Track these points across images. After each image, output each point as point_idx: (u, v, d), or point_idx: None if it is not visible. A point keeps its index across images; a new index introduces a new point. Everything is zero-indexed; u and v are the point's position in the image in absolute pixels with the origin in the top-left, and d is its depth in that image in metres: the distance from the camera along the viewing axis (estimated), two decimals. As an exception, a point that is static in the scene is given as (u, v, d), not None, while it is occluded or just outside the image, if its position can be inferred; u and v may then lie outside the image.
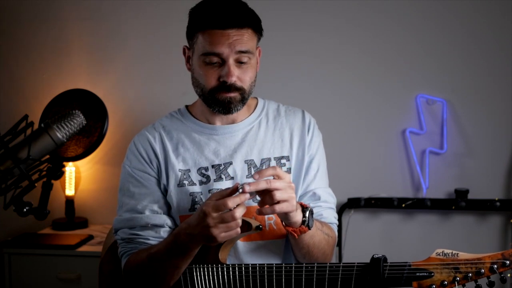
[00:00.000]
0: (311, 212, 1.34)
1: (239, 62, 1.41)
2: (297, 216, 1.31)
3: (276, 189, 1.24)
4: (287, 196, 1.26)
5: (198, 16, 1.43)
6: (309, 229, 1.33)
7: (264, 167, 1.48)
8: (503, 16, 2.34)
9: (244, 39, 1.40)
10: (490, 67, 2.37)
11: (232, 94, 1.42)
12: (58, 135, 0.96)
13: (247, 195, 1.24)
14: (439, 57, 2.39)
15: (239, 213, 1.23)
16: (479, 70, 2.38)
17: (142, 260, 1.40)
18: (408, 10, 2.40)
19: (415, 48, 2.40)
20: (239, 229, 1.25)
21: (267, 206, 1.26)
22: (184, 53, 1.51)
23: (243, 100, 1.45)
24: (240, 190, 1.24)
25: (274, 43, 2.46)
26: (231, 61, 1.39)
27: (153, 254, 1.38)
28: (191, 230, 1.28)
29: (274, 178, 1.26)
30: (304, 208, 1.33)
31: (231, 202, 1.22)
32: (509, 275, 1.21)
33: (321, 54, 2.46)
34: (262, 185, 1.23)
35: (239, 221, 1.24)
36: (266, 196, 1.26)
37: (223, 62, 1.40)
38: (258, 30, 1.46)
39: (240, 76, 1.41)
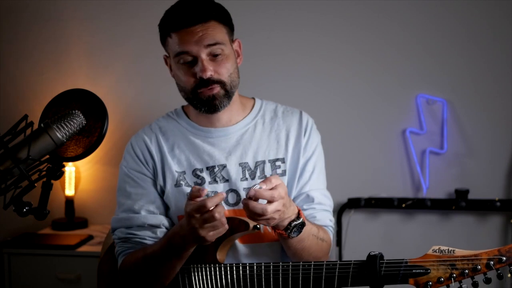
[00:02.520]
0: (301, 226, 1.32)
1: (213, 56, 1.41)
2: (282, 222, 1.30)
3: (260, 214, 1.22)
4: (268, 218, 1.24)
5: (163, 23, 1.46)
6: (289, 237, 1.33)
7: (258, 170, 1.48)
8: (503, 16, 2.33)
9: (210, 32, 1.40)
10: (490, 67, 2.37)
11: (215, 91, 1.42)
12: (58, 135, 0.96)
13: (224, 195, 1.26)
14: (439, 57, 2.39)
15: (218, 213, 1.22)
16: (479, 70, 2.38)
17: (137, 260, 1.40)
18: (408, 10, 2.40)
19: (415, 48, 2.40)
20: (226, 225, 1.25)
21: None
22: (166, 62, 1.53)
23: (228, 94, 1.44)
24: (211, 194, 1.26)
25: (273, 43, 2.46)
26: (203, 57, 1.40)
27: (148, 255, 1.38)
28: (184, 232, 1.28)
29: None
30: (296, 217, 1.31)
31: (210, 202, 1.22)
32: (509, 275, 1.20)
33: (321, 54, 2.46)
34: (267, 195, 1.23)
35: (223, 220, 1.23)
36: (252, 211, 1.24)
37: (196, 59, 1.40)
38: (224, 21, 1.45)
39: (216, 69, 1.41)
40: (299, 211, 1.33)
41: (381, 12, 2.41)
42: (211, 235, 1.24)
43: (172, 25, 1.42)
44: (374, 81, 2.44)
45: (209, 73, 1.39)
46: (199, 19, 1.39)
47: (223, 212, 1.24)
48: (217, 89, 1.42)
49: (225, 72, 1.42)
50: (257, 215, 1.23)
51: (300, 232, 1.33)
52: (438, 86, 2.39)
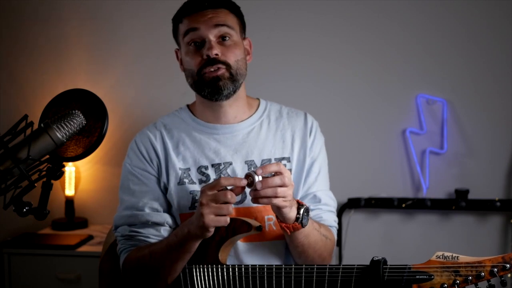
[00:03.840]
0: (307, 210, 1.34)
1: (221, 39, 1.44)
2: (291, 213, 1.31)
3: (281, 186, 1.25)
4: (285, 193, 1.27)
5: (176, 13, 1.51)
6: (303, 226, 1.33)
7: None
8: (503, 16, 2.33)
9: (221, 15, 1.45)
10: (490, 67, 2.37)
11: (219, 72, 1.43)
12: (58, 135, 0.96)
13: (244, 181, 1.26)
14: (439, 57, 2.39)
15: (231, 194, 1.23)
16: (479, 70, 2.38)
17: (144, 255, 1.40)
18: (409, 10, 2.40)
19: (415, 48, 2.40)
20: (228, 218, 1.25)
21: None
22: (177, 56, 1.55)
23: (232, 79, 1.45)
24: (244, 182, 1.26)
25: (274, 43, 2.46)
26: (211, 37, 1.43)
27: (154, 250, 1.38)
28: (191, 219, 1.29)
29: (276, 174, 1.27)
30: (299, 205, 1.33)
31: (225, 180, 1.25)
32: (509, 275, 1.20)
33: (321, 54, 2.46)
34: (274, 168, 1.26)
35: (230, 209, 1.24)
36: (264, 191, 1.26)
37: (205, 42, 1.44)
38: (235, 12, 1.49)
39: (223, 52, 1.43)
40: (297, 200, 1.35)
41: (381, 12, 2.41)
42: (211, 218, 1.24)
43: (184, 11, 1.47)
44: (374, 81, 2.44)
45: (215, 51, 1.41)
46: (210, 5, 1.45)
47: (234, 198, 1.25)
48: (222, 71, 1.43)
49: (232, 56, 1.44)
50: (274, 191, 1.24)
51: (308, 216, 1.34)
52: (438, 86, 2.39)
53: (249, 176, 1.25)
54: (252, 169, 1.28)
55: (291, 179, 1.29)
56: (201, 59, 1.43)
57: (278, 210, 1.30)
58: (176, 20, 1.50)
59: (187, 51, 1.46)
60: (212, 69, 1.42)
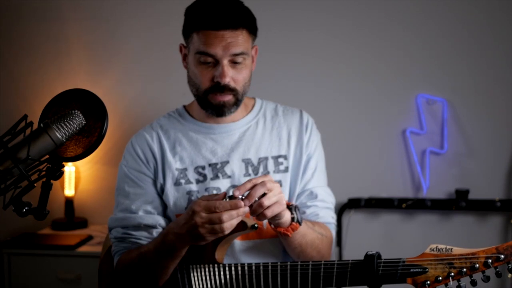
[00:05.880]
0: (297, 208, 1.35)
1: (233, 63, 1.41)
2: (286, 215, 1.32)
3: (264, 194, 1.26)
4: (276, 198, 1.27)
5: (193, 15, 1.43)
6: (300, 224, 1.34)
7: (261, 166, 1.49)
8: (503, 16, 2.33)
9: (239, 41, 1.39)
10: (491, 67, 2.37)
11: (226, 98, 1.43)
12: (58, 135, 0.95)
13: (242, 204, 1.25)
14: (439, 57, 2.39)
15: (226, 217, 1.23)
16: (479, 70, 2.38)
17: (132, 259, 1.41)
18: (409, 10, 2.40)
19: (415, 48, 2.40)
20: (226, 232, 1.26)
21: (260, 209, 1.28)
22: (181, 50, 1.52)
23: (237, 102, 1.46)
24: (230, 194, 1.27)
25: (274, 42, 2.46)
26: (225, 62, 1.39)
27: (142, 254, 1.39)
28: (179, 230, 1.29)
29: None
30: (288, 206, 1.33)
31: (221, 205, 1.23)
32: (509, 275, 1.20)
33: (321, 53, 2.46)
34: (248, 186, 1.26)
35: (225, 226, 1.23)
36: (256, 205, 1.27)
37: (217, 62, 1.40)
38: (252, 31, 1.45)
39: (234, 77, 1.41)
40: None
41: (382, 12, 2.41)
42: (209, 236, 1.26)
43: (202, 22, 1.40)
44: (374, 81, 2.44)
45: (227, 80, 1.40)
46: (231, 24, 1.38)
47: (231, 219, 1.24)
48: (229, 97, 1.43)
49: (241, 80, 1.43)
50: (260, 204, 1.25)
51: (300, 214, 1.35)
52: (438, 86, 2.39)
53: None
54: (231, 193, 1.28)
55: (272, 179, 1.29)
56: (210, 82, 1.41)
57: (275, 216, 1.30)
58: (191, 25, 1.43)
59: (197, 64, 1.43)
60: (220, 96, 1.42)
